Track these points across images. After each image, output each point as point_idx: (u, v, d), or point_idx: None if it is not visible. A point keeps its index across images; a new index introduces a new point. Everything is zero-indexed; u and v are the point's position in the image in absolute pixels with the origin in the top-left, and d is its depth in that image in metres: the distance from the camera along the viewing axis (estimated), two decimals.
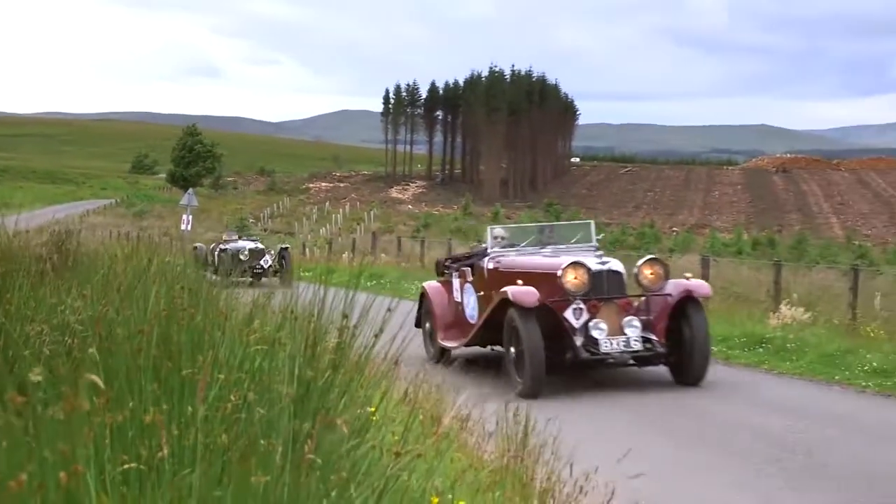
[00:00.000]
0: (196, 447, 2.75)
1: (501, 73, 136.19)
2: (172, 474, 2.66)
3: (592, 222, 14.33)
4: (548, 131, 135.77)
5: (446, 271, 13.83)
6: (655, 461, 7.83)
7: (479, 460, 6.00)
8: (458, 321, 12.78)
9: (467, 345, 12.22)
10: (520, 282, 10.70)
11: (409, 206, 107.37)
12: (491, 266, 12.27)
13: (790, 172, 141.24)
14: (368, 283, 24.49)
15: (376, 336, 4.68)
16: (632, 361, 11.06)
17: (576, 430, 6.65)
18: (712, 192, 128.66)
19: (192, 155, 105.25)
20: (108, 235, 32.70)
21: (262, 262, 26.18)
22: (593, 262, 11.16)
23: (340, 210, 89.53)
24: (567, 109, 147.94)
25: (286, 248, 27.90)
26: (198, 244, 28.21)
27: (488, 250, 12.70)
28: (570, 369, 10.81)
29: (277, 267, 26.66)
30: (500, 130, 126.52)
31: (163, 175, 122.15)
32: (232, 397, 3.32)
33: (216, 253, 26.59)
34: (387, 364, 5.08)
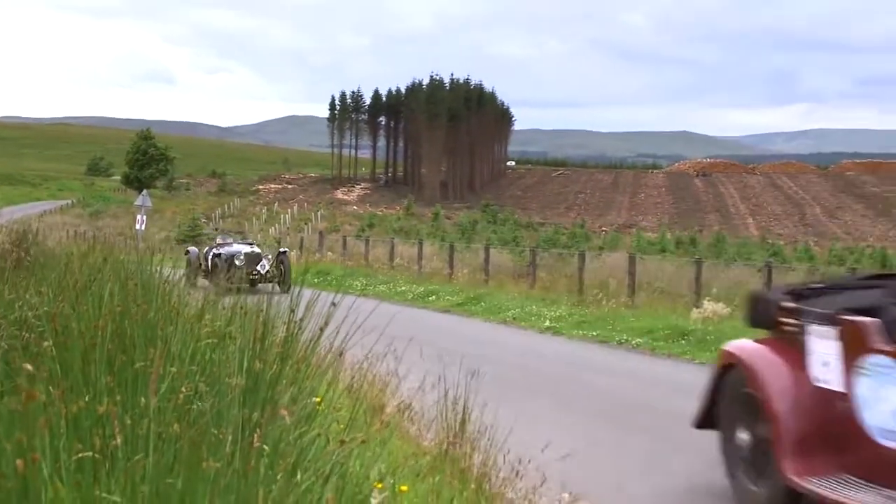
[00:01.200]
0: (149, 436, 2.72)
1: (441, 82, 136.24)
2: (126, 462, 2.63)
3: None
4: (485, 136, 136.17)
5: (789, 321, 6.35)
6: (581, 444, 7.90)
7: (420, 447, 6.00)
8: (839, 435, 5.57)
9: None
10: None
11: (354, 207, 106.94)
12: None
13: (710, 176, 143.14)
14: (315, 280, 24.40)
15: (321, 329, 4.67)
16: None
17: (510, 417, 6.67)
18: (638, 194, 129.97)
19: (146, 158, 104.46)
20: (64, 235, 32.08)
21: (258, 268, 22.94)
22: None
23: (289, 210, 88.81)
24: (503, 116, 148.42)
25: (284, 252, 24.26)
26: (190, 248, 26.13)
27: None
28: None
29: (275, 272, 23.23)
30: (440, 135, 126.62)
31: (118, 177, 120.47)
32: (183, 388, 3.29)
33: (209, 258, 23.45)
34: (332, 355, 5.07)
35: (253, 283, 21.63)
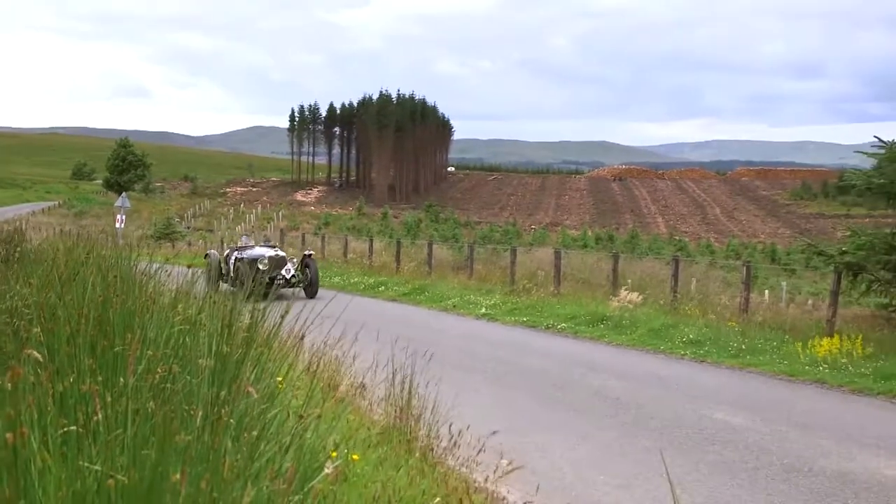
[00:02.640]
0: (127, 412, 2.70)
1: (389, 96, 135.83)
2: (107, 436, 2.60)
3: None
4: (428, 145, 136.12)
5: None
6: (512, 416, 7.96)
7: (371, 421, 6.00)
8: None
9: None
10: None
11: (312, 208, 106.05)
12: None
13: (625, 181, 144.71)
14: None
15: (282, 317, 4.64)
16: None
17: (451, 393, 6.70)
18: (563, 196, 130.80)
19: (125, 164, 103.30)
20: (51, 233, 31.35)
21: (283, 272, 19.71)
22: None
23: (254, 210, 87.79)
24: (444, 127, 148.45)
25: (310, 256, 20.72)
26: (210, 251, 22.54)
27: None
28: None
29: (301, 277, 20.00)
30: (388, 144, 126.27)
31: (99, 181, 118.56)
32: (158, 370, 3.25)
33: (231, 262, 20.21)
34: (292, 340, 5.04)
35: (278, 287, 18.85)
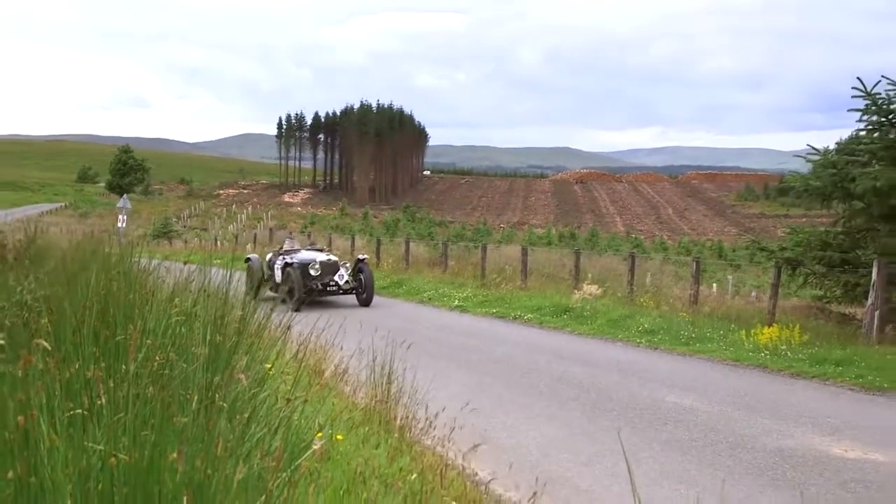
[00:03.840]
0: (128, 397, 2.69)
1: (370, 106, 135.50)
2: (109, 418, 2.60)
3: None
4: (405, 150, 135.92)
5: None
6: (482, 399, 7.98)
7: (353, 403, 6.00)
8: None
9: None
10: None
11: (299, 208, 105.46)
12: None
13: (586, 183, 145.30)
14: None
15: (272, 308, 4.63)
16: None
17: (426, 378, 6.71)
18: (529, 197, 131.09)
19: (126, 168, 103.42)
20: (58, 231, 30.94)
21: (336, 278, 16.76)
22: None
23: (244, 211, 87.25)
24: (420, 134, 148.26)
25: (364, 260, 17.51)
26: (251, 256, 19.04)
27: None
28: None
29: (354, 283, 17.02)
30: (369, 150, 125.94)
31: (103, 184, 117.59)
32: (157, 358, 3.24)
33: (277, 267, 17.25)
34: (281, 329, 5.03)
35: (328, 294, 16.74)
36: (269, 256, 18.16)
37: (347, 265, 17.46)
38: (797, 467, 5.98)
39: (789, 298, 15.51)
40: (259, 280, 15.90)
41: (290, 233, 25.06)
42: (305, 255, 17.37)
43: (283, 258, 17.27)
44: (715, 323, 12.69)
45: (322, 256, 17.20)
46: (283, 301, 12.75)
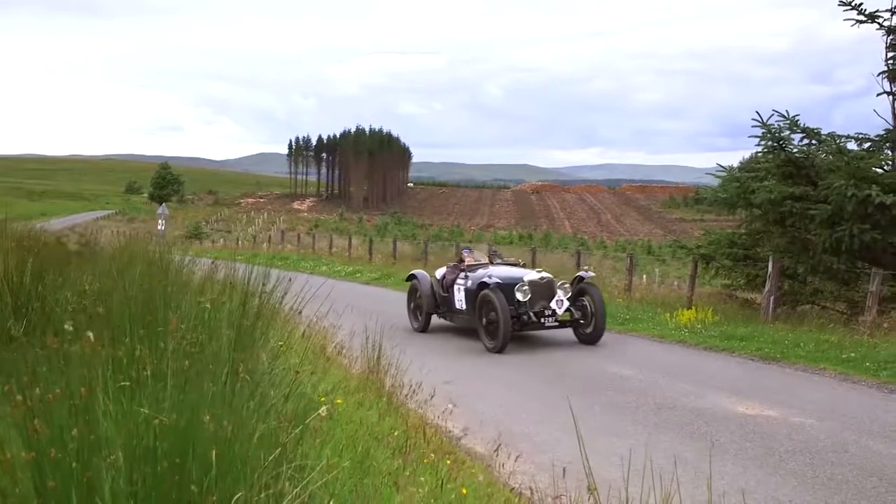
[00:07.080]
0: (168, 370, 2.70)
1: (363, 130, 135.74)
2: (153, 387, 2.61)
3: None
4: (393, 166, 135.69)
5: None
6: (459, 373, 8.02)
7: (350, 374, 6.01)
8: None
9: None
10: None
11: (305, 214, 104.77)
12: None
13: (541, 194, 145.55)
14: (279, 263, 23.85)
15: (283, 296, 4.63)
16: None
17: (411, 354, 6.73)
18: (494, 205, 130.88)
19: (165, 181, 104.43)
20: (110, 234, 30.52)
21: (553, 304, 9.68)
22: None
23: (261, 216, 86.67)
24: (405, 152, 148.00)
25: (586, 280, 10.13)
26: (416, 272, 11.59)
27: None
28: None
29: (577, 314, 9.83)
30: (363, 165, 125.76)
31: (146, 195, 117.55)
32: (191, 338, 3.24)
33: (459, 287, 10.44)
34: (291, 314, 5.03)
35: (543, 328, 9.76)
36: (440, 273, 11.24)
37: (566, 285, 9.95)
38: (710, 422, 6.07)
39: (704, 287, 15.68)
40: (432, 306, 10.91)
41: (468, 245, 14.96)
42: (504, 271, 10.25)
43: (467, 276, 10.41)
44: (645, 307, 12.80)
45: (532, 274, 9.96)
46: (483, 336, 9.21)
